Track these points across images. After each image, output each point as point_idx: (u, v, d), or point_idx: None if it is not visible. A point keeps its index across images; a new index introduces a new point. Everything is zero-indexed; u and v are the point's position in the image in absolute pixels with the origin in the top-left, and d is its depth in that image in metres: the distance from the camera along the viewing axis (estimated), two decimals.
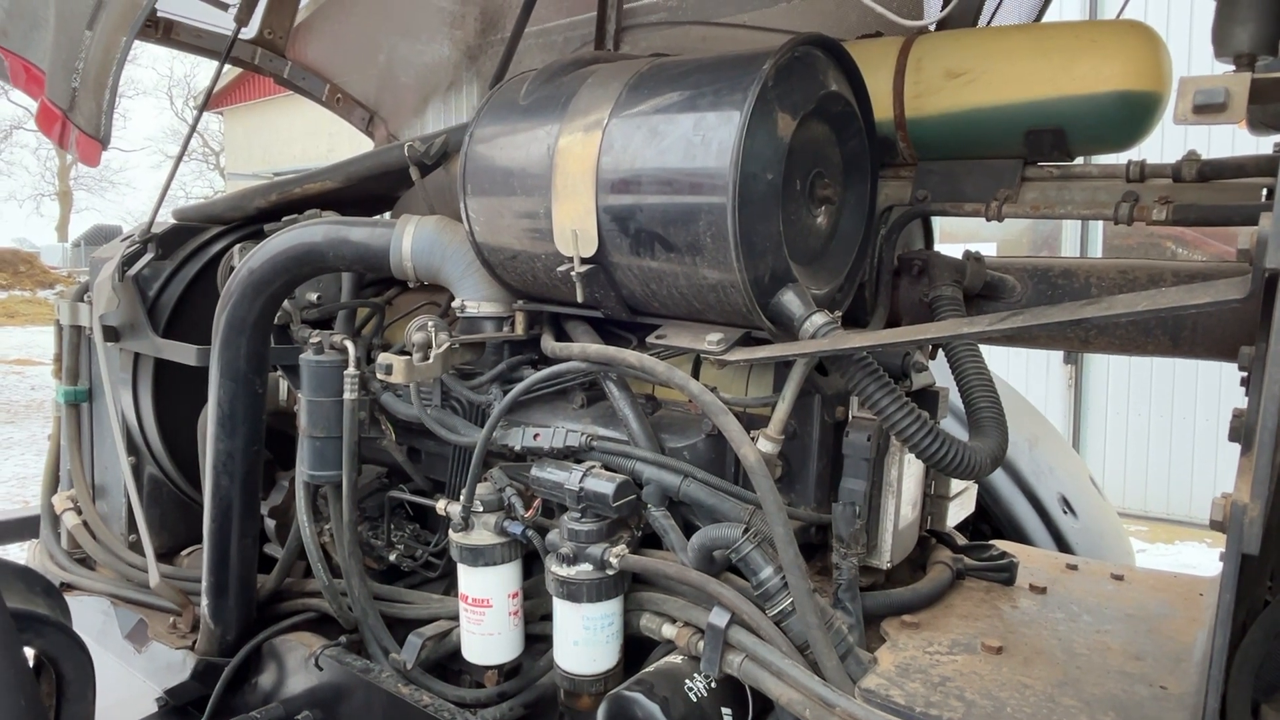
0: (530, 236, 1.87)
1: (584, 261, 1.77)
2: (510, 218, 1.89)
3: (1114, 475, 7.90)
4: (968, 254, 1.89)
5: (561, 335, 2.05)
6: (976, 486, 2.11)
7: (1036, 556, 2.12)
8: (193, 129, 3.63)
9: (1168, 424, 7.81)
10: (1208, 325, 1.72)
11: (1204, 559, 6.81)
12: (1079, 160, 1.86)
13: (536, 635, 2.11)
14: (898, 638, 1.65)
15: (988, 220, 1.84)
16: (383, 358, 1.88)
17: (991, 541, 2.07)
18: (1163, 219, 1.63)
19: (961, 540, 2.08)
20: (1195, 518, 7.57)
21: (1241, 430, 1.62)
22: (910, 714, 1.38)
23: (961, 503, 1.99)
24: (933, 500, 1.93)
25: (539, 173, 1.80)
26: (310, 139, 19.52)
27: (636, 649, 1.87)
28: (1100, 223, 8.08)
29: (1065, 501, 3.14)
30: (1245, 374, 1.82)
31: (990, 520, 2.90)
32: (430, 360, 1.91)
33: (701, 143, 1.56)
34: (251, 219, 2.84)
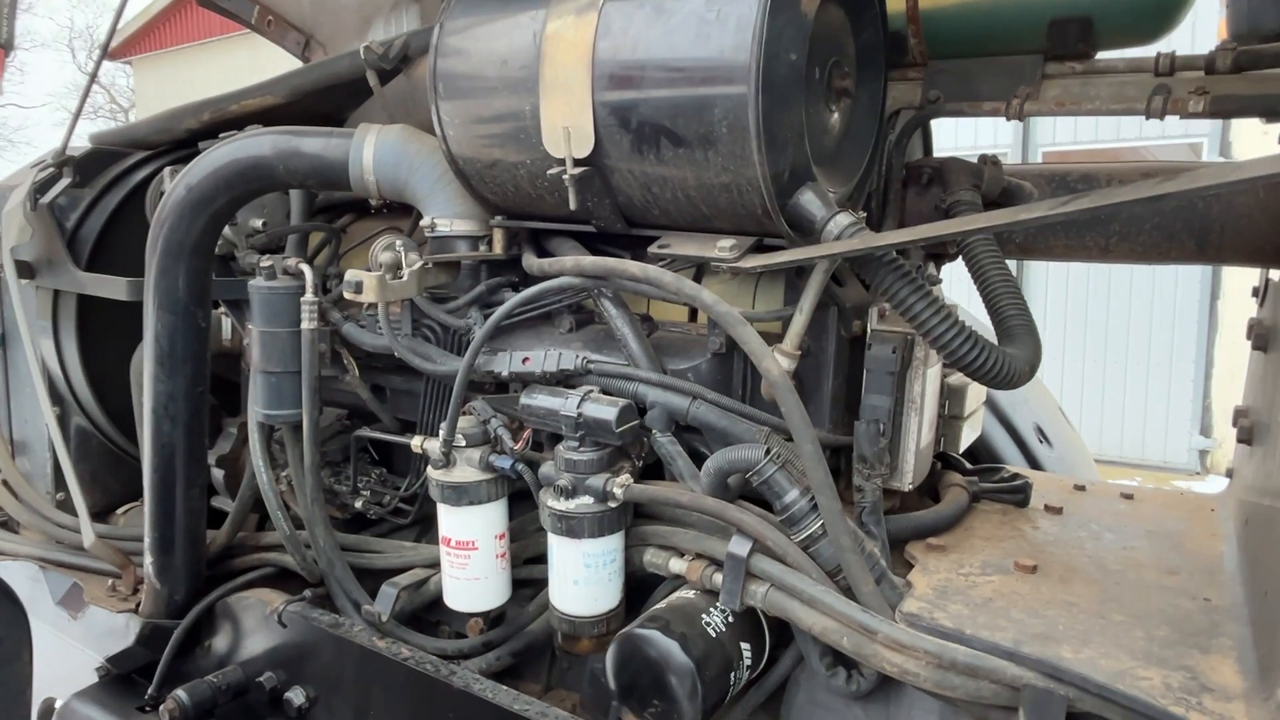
0: (513, 140, 1.68)
1: (577, 164, 1.59)
2: (490, 120, 1.70)
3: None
4: (983, 158, 1.78)
5: (543, 254, 1.87)
6: (984, 409, 2.03)
7: (1041, 479, 2.05)
8: (100, 61, 3.30)
9: (1122, 369, 8.02)
10: (1236, 228, 1.64)
11: None
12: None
13: (521, 580, 1.96)
14: (926, 561, 1.55)
15: (1008, 120, 1.72)
16: (350, 274, 1.68)
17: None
18: (1199, 110, 1.53)
19: (967, 465, 2.00)
20: (1148, 460, 7.82)
21: (1267, 335, 1.55)
22: (961, 636, 1.28)
23: (972, 425, 1.90)
24: (946, 421, 1.83)
25: (524, 64, 1.61)
26: (228, 90, 18.48)
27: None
28: None
29: (1040, 431, 3.11)
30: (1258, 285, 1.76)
31: (969, 450, 2.85)
32: (405, 278, 1.72)
33: (717, 19, 1.39)
34: (181, 142, 2.57)
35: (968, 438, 1.87)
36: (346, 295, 1.70)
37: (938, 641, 1.27)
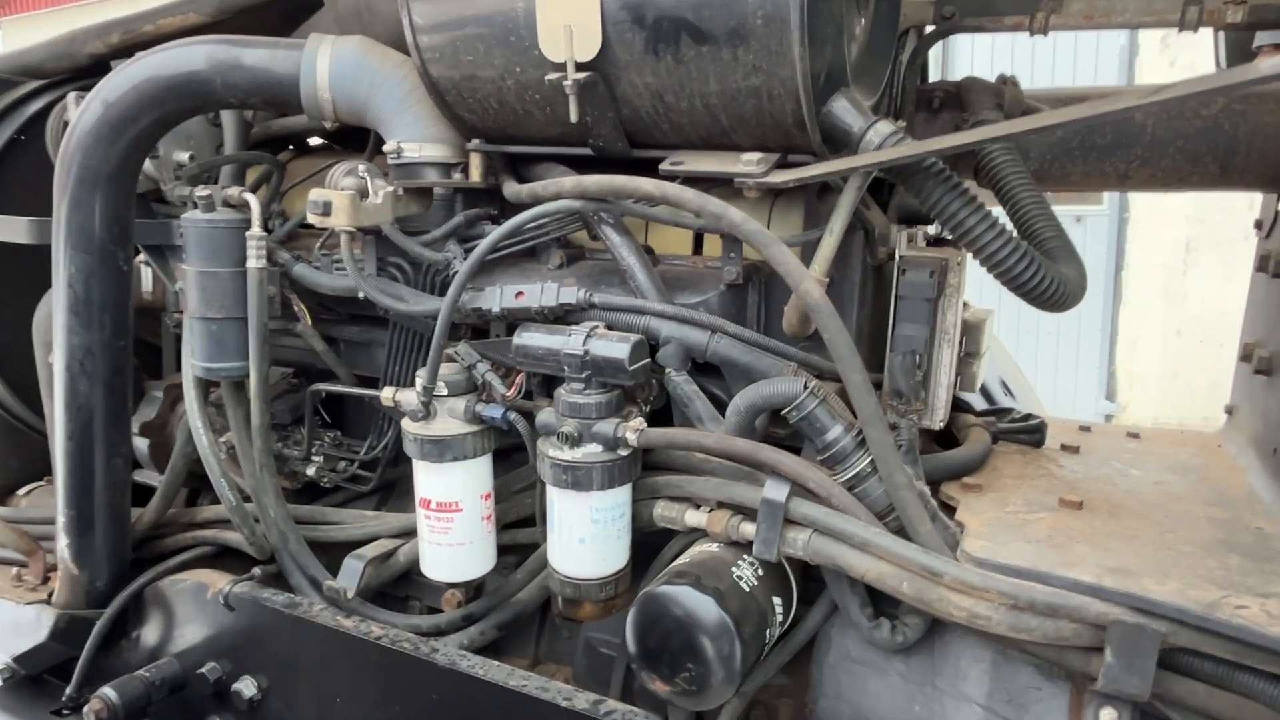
0: (501, 45, 1.48)
1: (580, 68, 1.40)
2: (473, 21, 1.49)
3: None
4: (1002, 78, 1.68)
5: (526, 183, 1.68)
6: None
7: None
8: None
9: (1034, 337, 8.32)
10: (1264, 150, 1.58)
11: None
12: None
13: (501, 547, 1.78)
14: (967, 500, 1.45)
15: (1031, 35, 1.62)
16: (316, 193, 1.45)
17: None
18: (1238, 21, 1.46)
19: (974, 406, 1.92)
20: None
21: None
22: (1037, 574, 1.17)
23: (985, 363, 1.81)
24: (962, 359, 1.73)
25: None
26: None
27: None
28: None
29: (1004, 384, 3.10)
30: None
31: None
32: (380, 200, 1.50)
33: None
34: (84, 70, 2.24)
35: (981, 376, 1.77)
36: (312, 218, 1.47)
37: (1013, 581, 1.16)
